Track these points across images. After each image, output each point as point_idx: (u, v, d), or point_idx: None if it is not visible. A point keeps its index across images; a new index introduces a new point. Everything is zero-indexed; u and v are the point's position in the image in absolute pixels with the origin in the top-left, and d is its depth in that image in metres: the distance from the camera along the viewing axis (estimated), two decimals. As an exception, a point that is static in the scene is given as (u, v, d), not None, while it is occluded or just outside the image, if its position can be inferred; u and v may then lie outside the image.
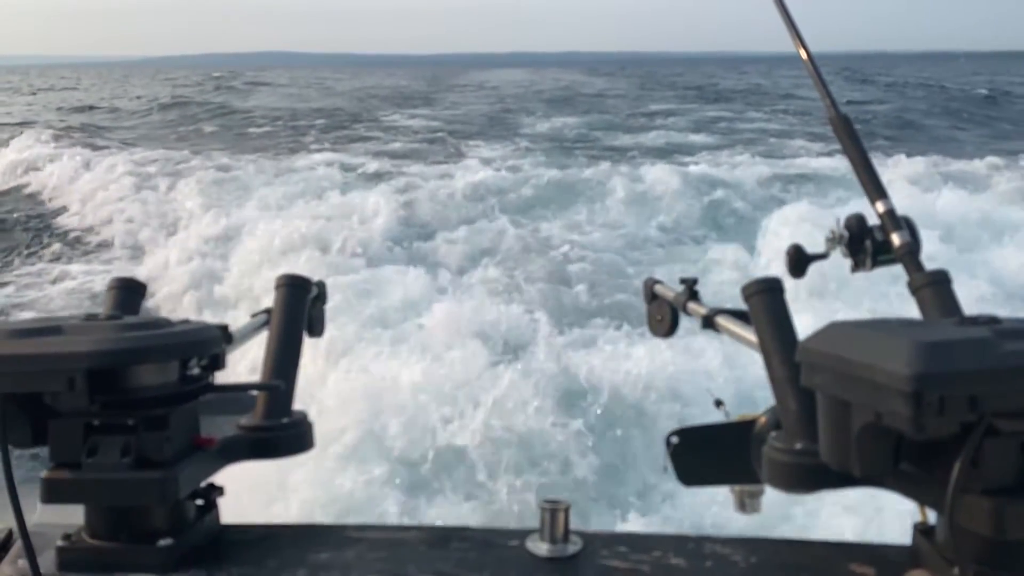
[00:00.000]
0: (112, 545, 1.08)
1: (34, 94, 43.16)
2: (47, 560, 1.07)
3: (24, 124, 22.30)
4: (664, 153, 15.67)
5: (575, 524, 1.14)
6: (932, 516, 1.00)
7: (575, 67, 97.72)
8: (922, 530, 1.01)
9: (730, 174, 11.76)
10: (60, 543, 1.09)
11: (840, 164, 12.02)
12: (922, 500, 0.97)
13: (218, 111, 26.56)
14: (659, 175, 11.10)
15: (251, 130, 21.86)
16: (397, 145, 17.67)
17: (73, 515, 1.12)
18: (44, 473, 1.07)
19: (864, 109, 22.65)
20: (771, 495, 1.16)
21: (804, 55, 1.38)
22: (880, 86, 36.69)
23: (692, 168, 12.09)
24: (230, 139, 19.38)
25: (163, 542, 1.08)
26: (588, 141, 18.46)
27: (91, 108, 31.38)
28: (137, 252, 9.31)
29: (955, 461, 0.84)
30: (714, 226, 9.31)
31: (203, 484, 1.17)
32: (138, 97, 30.91)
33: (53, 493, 1.06)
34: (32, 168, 14.22)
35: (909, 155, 12.79)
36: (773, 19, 1.43)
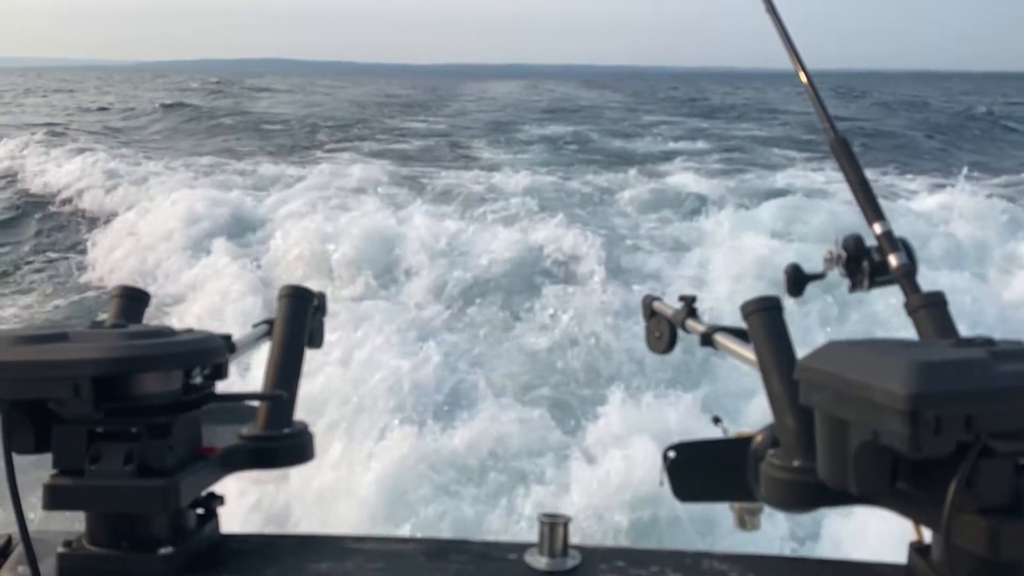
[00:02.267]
0: (112, 552, 1.09)
1: (45, 96, 43.87)
2: (47, 567, 1.07)
3: (50, 125, 22.75)
4: (656, 159, 16.39)
5: (574, 539, 1.14)
6: (928, 535, 1.00)
7: (572, 79, 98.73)
8: (917, 549, 1.01)
9: (708, 185, 12.19)
10: (61, 550, 1.09)
11: (817, 176, 12.85)
12: (918, 519, 0.98)
13: (236, 116, 26.96)
14: (642, 184, 11.80)
15: (270, 133, 22.30)
16: (410, 149, 18.44)
17: (74, 521, 1.12)
18: (46, 479, 1.07)
19: (847, 125, 23.12)
20: (772, 512, 1.17)
21: (803, 77, 1.40)
22: (866, 104, 37.46)
23: (670, 179, 12.81)
24: (256, 143, 19.71)
25: (163, 550, 1.09)
26: (583, 147, 19.13)
27: (103, 110, 31.92)
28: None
29: (951, 481, 0.85)
30: (679, 234, 9.41)
31: (204, 493, 1.17)
32: (161, 104, 31.48)
33: (55, 499, 1.07)
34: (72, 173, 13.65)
35: (871, 165, 13.25)
36: (772, 39, 1.45)
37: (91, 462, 1.06)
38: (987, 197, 10.39)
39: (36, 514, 1.11)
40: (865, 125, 23.36)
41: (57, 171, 13.75)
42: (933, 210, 9.63)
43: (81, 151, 15.43)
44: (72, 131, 21.11)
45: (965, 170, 11.27)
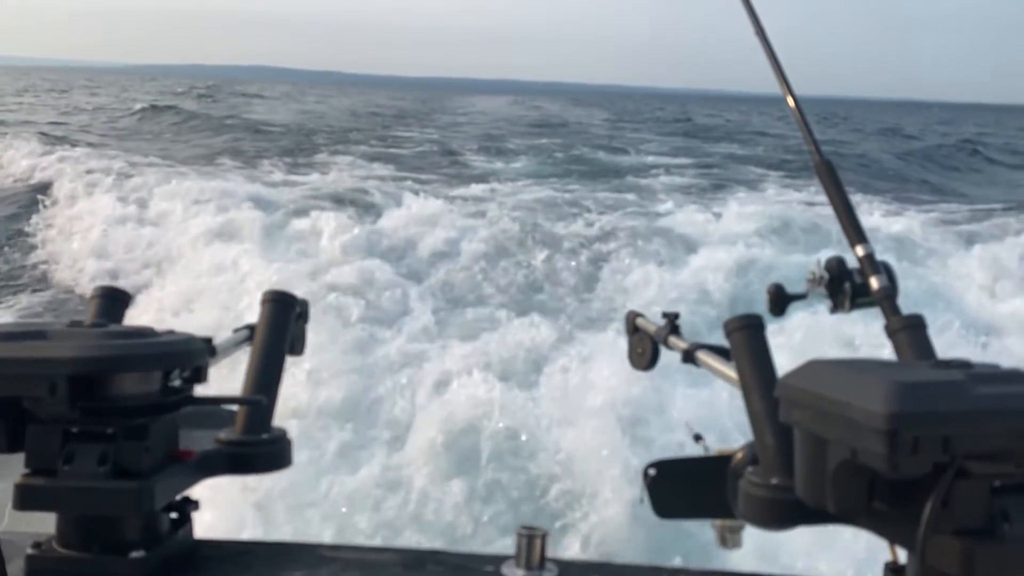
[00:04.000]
0: (83, 555, 1.07)
1: (37, 96, 44.49)
2: (16, 568, 1.05)
3: (54, 125, 23.07)
4: (638, 172, 17.18)
5: (551, 552, 1.14)
6: (903, 555, 1.01)
7: (560, 97, 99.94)
8: (893, 569, 1.02)
9: (686, 198, 12.71)
10: (29, 551, 1.07)
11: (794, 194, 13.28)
12: (893, 539, 0.98)
13: (236, 121, 27.19)
14: (628, 208, 12.05)
15: (271, 136, 22.55)
16: (412, 159, 19.01)
17: (44, 523, 1.10)
18: (18, 479, 1.05)
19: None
20: (754, 530, 1.17)
21: (791, 101, 1.41)
22: (844, 129, 38.66)
23: (650, 192, 13.66)
24: (260, 146, 19.87)
25: (135, 554, 1.07)
26: (571, 160, 19.80)
27: (98, 110, 32.20)
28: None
29: (927, 501, 0.86)
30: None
31: (178, 497, 1.15)
32: (152, 106, 31.90)
33: (26, 500, 1.05)
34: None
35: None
36: (761, 62, 1.46)
37: (65, 462, 1.04)
38: (937, 224, 10.67)
39: (7, 514, 1.09)
40: (839, 148, 24.02)
41: (68, 172, 13.61)
42: (887, 231, 9.81)
43: (95, 151, 15.70)
44: (77, 132, 21.29)
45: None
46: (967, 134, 35.62)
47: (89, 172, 12.88)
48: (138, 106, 31.96)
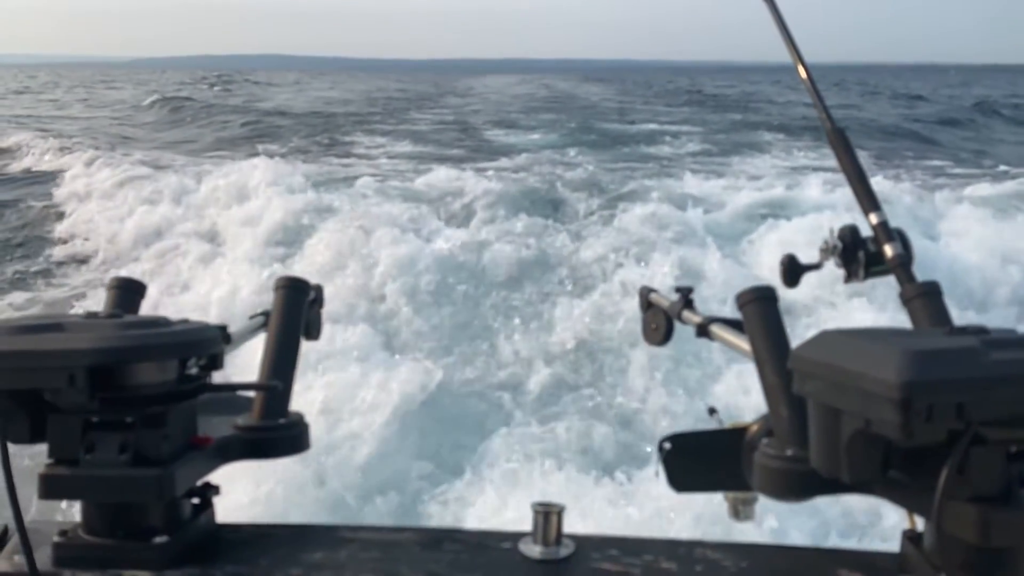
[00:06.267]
0: (108, 541, 1.09)
1: (63, 93, 45.48)
2: (43, 556, 1.07)
3: (85, 119, 23.45)
4: (648, 141, 17.98)
5: (568, 527, 1.15)
6: (920, 523, 1.01)
7: (571, 74, 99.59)
8: (910, 537, 1.02)
9: (695, 163, 13.37)
10: (56, 539, 1.09)
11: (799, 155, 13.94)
12: (910, 507, 0.98)
13: (261, 109, 27.52)
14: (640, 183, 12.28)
15: (305, 121, 22.95)
16: (435, 137, 19.76)
17: (69, 511, 1.13)
18: (41, 469, 1.07)
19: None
20: (765, 502, 1.17)
21: (802, 69, 1.39)
22: (853, 94, 38.93)
23: (659, 159, 14.52)
24: (296, 129, 20.29)
25: (158, 539, 1.09)
26: (585, 131, 20.41)
27: (121, 105, 32.86)
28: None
29: (942, 468, 0.85)
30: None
31: (199, 483, 1.17)
32: (163, 97, 32.41)
33: (51, 489, 1.07)
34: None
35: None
36: (771, 32, 1.44)
37: (86, 451, 1.06)
38: (917, 185, 10.79)
39: (32, 504, 1.11)
40: (840, 112, 24.11)
41: (103, 163, 13.70)
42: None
43: (129, 141, 16.27)
44: (109, 125, 21.67)
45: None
46: (976, 97, 35.50)
47: (126, 157, 13.13)
48: (154, 97, 32.71)
